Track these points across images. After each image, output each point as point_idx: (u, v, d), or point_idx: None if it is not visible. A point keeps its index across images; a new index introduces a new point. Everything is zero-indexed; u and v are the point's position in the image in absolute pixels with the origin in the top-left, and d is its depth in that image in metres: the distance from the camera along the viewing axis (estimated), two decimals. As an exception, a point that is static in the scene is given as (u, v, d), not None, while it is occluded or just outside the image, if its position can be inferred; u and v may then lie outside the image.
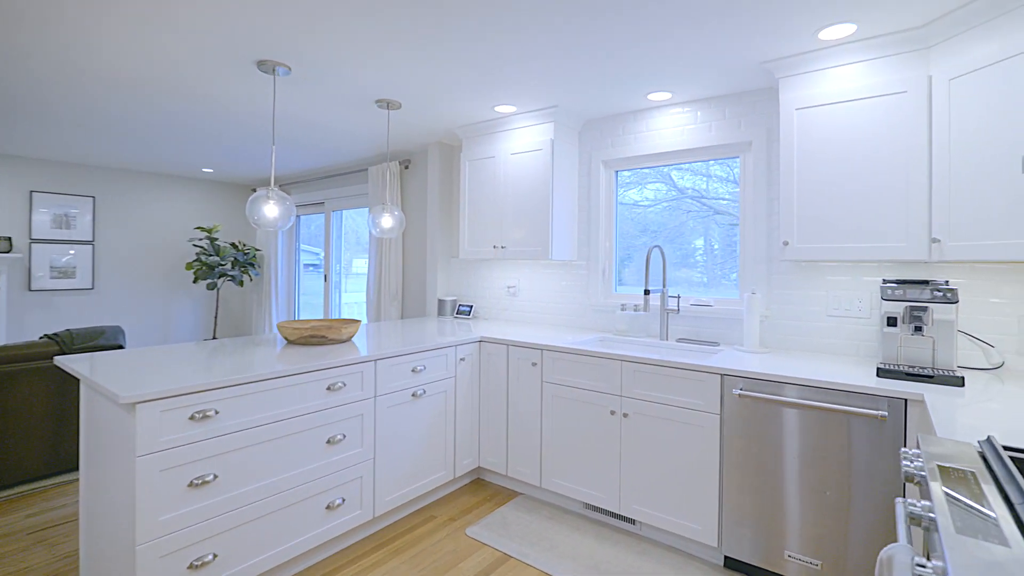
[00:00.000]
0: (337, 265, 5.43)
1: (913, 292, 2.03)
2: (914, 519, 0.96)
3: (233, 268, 5.61)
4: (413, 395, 2.66)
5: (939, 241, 1.98)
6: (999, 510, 0.90)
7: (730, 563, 2.28)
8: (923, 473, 1.10)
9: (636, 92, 2.83)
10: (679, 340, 2.93)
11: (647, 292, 2.84)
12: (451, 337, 2.98)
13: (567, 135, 3.27)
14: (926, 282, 2.06)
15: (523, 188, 3.27)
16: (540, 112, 3.17)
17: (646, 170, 3.21)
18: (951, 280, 2.23)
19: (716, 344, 2.80)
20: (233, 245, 5.72)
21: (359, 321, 2.88)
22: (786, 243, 2.34)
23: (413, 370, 2.67)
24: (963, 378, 1.87)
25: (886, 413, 1.85)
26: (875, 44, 2.12)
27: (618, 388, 2.54)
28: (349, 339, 2.75)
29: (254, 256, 5.82)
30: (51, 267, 5.02)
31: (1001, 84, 1.78)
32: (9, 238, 4.71)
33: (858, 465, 1.93)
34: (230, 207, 6.31)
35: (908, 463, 1.21)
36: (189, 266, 5.45)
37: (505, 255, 3.37)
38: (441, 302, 4.02)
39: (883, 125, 2.11)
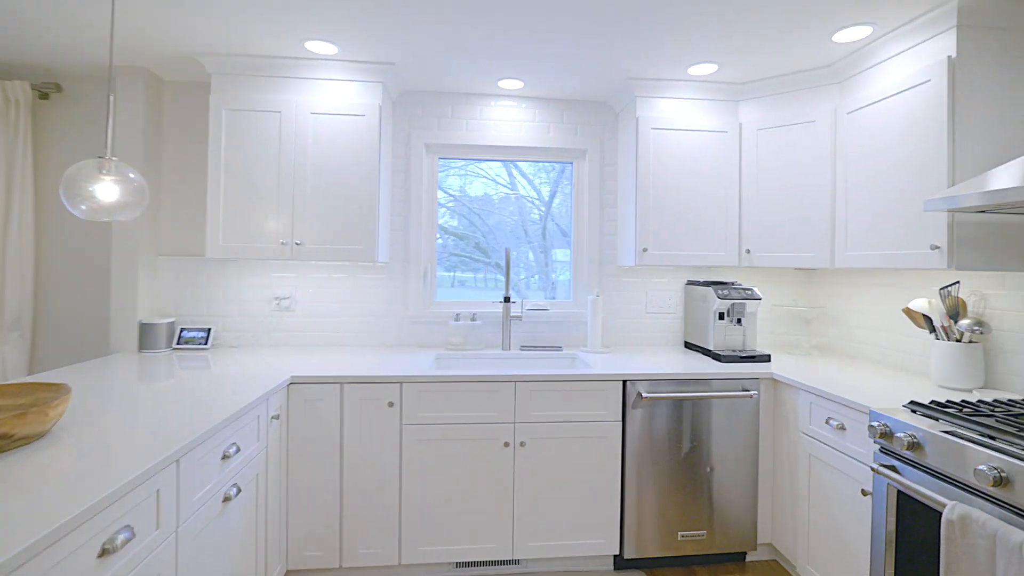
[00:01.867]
0: None
1: (736, 292, 2.54)
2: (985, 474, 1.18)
3: None
4: (225, 498, 1.54)
5: (750, 252, 2.55)
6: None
7: (628, 563, 2.31)
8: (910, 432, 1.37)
9: (488, 75, 2.49)
10: (522, 348, 2.76)
11: (507, 299, 2.56)
12: (252, 385, 1.89)
13: (387, 104, 2.58)
14: (732, 283, 2.62)
15: (333, 164, 2.38)
16: (369, 67, 2.37)
17: (460, 161, 2.87)
18: (744, 281, 2.92)
19: (559, 348, 2.77)
20: None
21: (65, 388, 1.46)
22: (645, 249, 2.53)
23: (224, 456, 1.54)
24: (769, 355, 2.48)
25: (756, 392, 2.26)
26: (709, 87, 2.55)
27: (511, 414, 2.17)
28: (48, 430, 1.36)
29: None
30: None
31: (785, 139, 2.44)
32: None
33: (732, 439, 2.27)
34: None
35: (875, 423, 1.50)
36: None
37: (301, 255, 2.38)
38: (147, 327, 2.49)
39: (712, 156, 2.56)
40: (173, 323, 2.57)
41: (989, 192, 1.47)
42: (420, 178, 2.77)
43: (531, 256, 2.96)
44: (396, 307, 2.78)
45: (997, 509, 1.28)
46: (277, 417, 1.94)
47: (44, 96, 2.54)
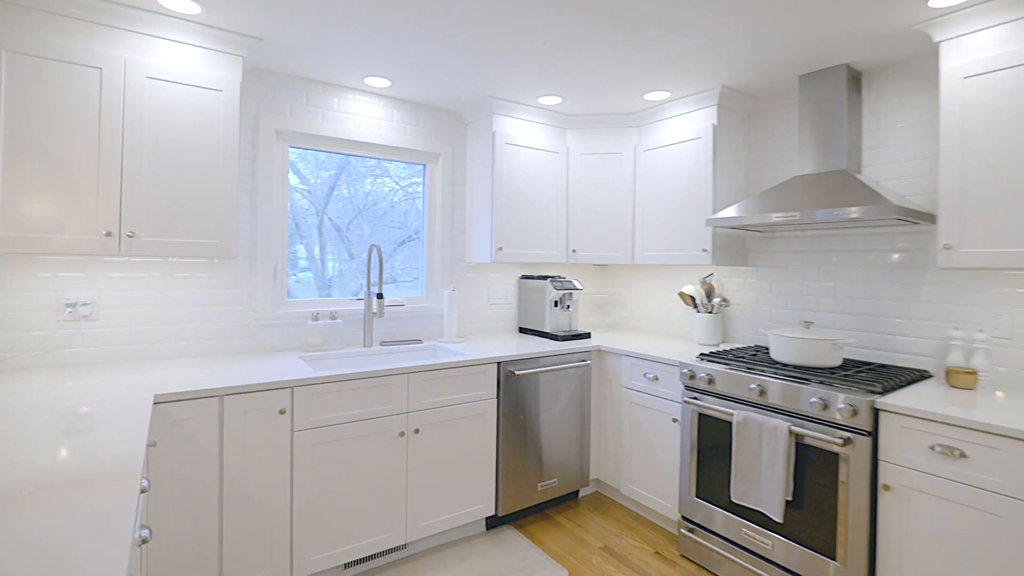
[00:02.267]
0: None
1: (565, 284, 3.12)
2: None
3: None
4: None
5: (575, 251, 3.16)
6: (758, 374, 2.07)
7: (500, 520, 2.65)
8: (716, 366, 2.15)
9: (358, 68, 2.45)
10: (383, 344, 2.80)
11: (380, 296, 2.58)
12: (107, 411, 1.56)
13: (224, 65, 2.27)
14: (559, 276, 3.21)
15: (182, 142, 2.01)
16: (233, 37, 2.06)
17: (314, 152, 2.72)
18: (569, 275, 3.50)
19: (420, 341, 2.91)
20: None
21: None
22: (501, 248, 2.89)
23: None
24: (590, 333, 3.15)
25: (589, 361, 2.86)
26: (549, 115, 3.04)
27: (405, 405, 2.27)
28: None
29: None
30: None
31: (600, 164, 3.14)
32: None
33: (572, 401, 2.84)
34: None
35: (684, 370, 2.26)
36: None
37: (134, 249, 1.94)
38: None
39: (547, 172, 3.07)
40: None
41: (735, 216, 2.32)
42: (271, 166, 2.52)
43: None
44: (241, 309, 2.47)
45: (760, 410, 2.08)
46: (154, 445, 1.61)
47: None
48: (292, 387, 1.99)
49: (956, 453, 1.63)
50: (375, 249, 2.74)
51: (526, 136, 3.00)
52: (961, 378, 1.98)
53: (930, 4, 1.80)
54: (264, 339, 2.53)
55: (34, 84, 1.78)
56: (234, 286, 2.45)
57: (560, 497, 2.90)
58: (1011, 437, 1.53)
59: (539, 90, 2.71)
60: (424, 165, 3.08)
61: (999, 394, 1.89)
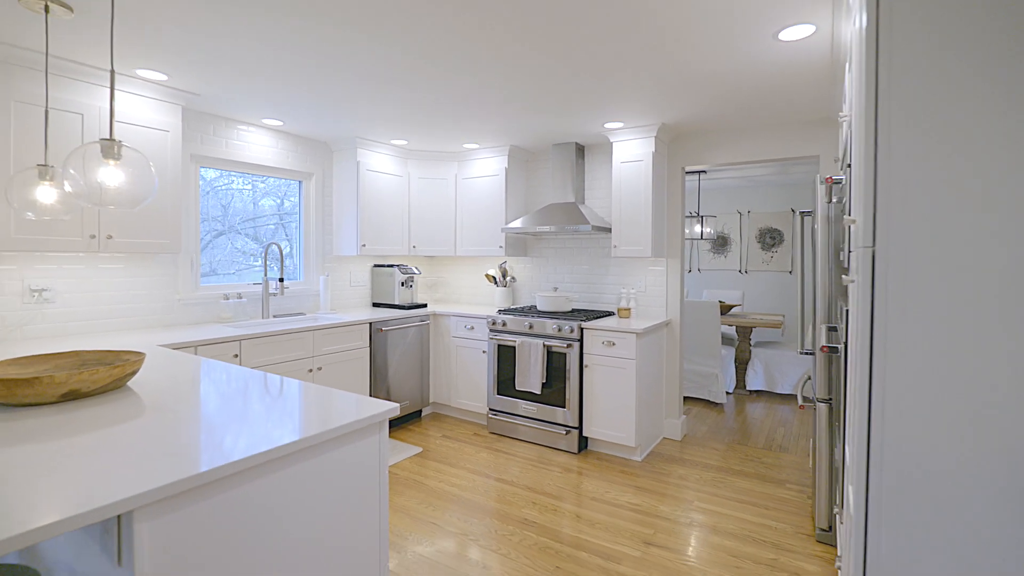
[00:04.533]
0: None
1: (408, 270, 4.41)
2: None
3: None
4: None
5: (415, 247, 4.48)
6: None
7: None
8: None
9: (257, 112, 3.36)
10: (275, 316, 3.74)
11: (281, 280, 3.54)
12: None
13: (171, 113, 3.01)
14: (402, 265, 4.49)
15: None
16: (178, 92, 2.82)
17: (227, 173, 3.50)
18: (409, 264, 4.73)
19: (303, 313, 3.91)
20: None
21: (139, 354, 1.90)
22: (364, 245, 4.05)
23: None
24: (427, 303, 4.52)
25: (428, 321, 4.24)
26: (394, 149, 4.26)
27: (311, 352, 3.35)
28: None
29: None
30: None
31: (431, 186, 4.50)
32: None
33: (417, 348, 4.18)
34: None
35: (491, 320, 3.86)
36: None
37: (111, 247, 2.65)
38: None
39: (396, 190, 4.31)
40: (-103, 323, 2.22)
41: (518, 227, 3.95)
42: (188, 182, 3.27)
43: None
44: (166, 292, 3.20)
45: (529, 337, 3.75)
46: (166, 374, 2.47)
47: None
48: (240, 340, 2.94)
49: (610, 343, 3.48)
50: (275, 245, 3.66)
51: (380, 164, 4.19)
52: (624, 312, 3.92)
53: (605, 126, 3.61)
54: (187, 315, 3.29)
55: (27, 123, 2.40)
56: (162, 274, 3.18)
57: (411, 415, 4.24)
58: (623, 332, 3.40)
59: (391, 135, 3.95)
60: (301, 182, 4.05)
61: (636, 318, 3.86)
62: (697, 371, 4.93)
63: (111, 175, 1.68)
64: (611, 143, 4.00)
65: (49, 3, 1.90)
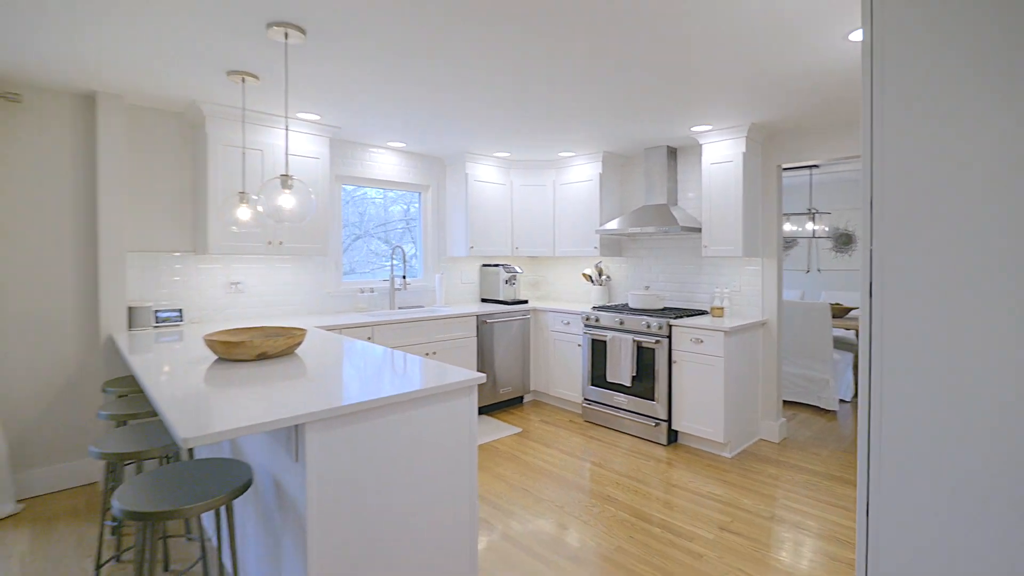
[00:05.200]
0: None
1: (512, 270, 4.87)
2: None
3: None
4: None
5: (518, 248, 4.93)
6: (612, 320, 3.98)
7: (479, 411, 4.38)
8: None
9: (384, 136, 4.02)
10: (400, 308, 4.40)
11: (404, 277, 4.18)
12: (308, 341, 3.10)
13: (321, 144, 3.76)
14: (506, 264, 4.95)
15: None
16: (326, 127, 3.57)
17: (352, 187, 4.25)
18: (513, 264, 5.23)
19: (422, 306, 4.54)
20: None
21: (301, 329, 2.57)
22: (472, 247, 4.58)
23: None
24: (528, 300, 4.93)
25: (528, 316, 4.65)
26: (500, 161, 4.75)
27: (427, 338, 3.93)
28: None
29: None
30: None
31: (532, 192, 4.91)
32: None
33: (519, 339, 4.61)
34: None
35: (586, 316, 4.14)
36: None
37: (281, 251, 3.43)
38: (133, 309, 3.04)
39: (500, 196, 4.80)
40: (151, 307, 3.15)
41: (612, 229, 4.20)
42: (332, 198, 4.04)
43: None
44: (318, 286, 3.98)
45: (620, 332, 3.98)
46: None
47: (15, 99, 2.70)
48: (373, 326, 3.59)
49: (698, 341, 3.59)
50: (399, 248, 4.32)
51: (486, 175, 4.70)
52: (717, 311, 3.98)
53: (692, 129, 3.73)
54: (333, 305, 4.06)
55: (229, 160, 3.22)
56: (315, 272, 3.96)
57: (512, 399, 4.68)
58: (711, 329, 3.49)
59: (495, 149, 4.43)
60: (419, 193, 4.70)
61: (730, 317, 3.90)
62: (804, 375, 4.75)
63: (286, 200, 2.30)
64: (700, 145, 4.08)
65: (245, 76, 2.61)
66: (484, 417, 4.36)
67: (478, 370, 4.29)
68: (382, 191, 4.48)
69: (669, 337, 3.75)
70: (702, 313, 4.08)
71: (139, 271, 3.21)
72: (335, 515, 1.55)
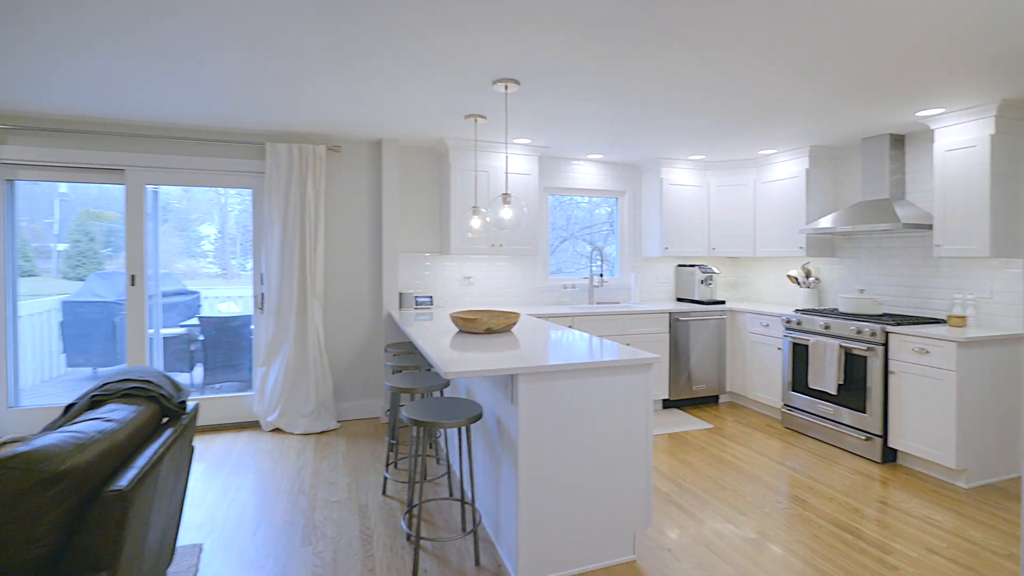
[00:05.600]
0: (151, 267, 3.74)
1: (708, 270, 4.92)
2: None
3: None
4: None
5: (715, 249, 4.96)
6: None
7: (670, 404, 4.59)
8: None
9: (585, 151, 4.54)
10: (598, 303, 4.88)
11: (601, 275, 4.66)
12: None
13: (532, 162, 4.47)
14: (702, 265, 5.01)
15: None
16: (536, 149, 4.30)
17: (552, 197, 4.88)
18: (709, 264, 5.32)
19: (618, 302, 4.95)
20: None
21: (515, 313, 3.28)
22: (667, 248, 4.81)
23: (543, 341, 3.48)
24: (724, 300, 4.92)
25: (725, 316, 4.66)
26: (695, 163, 4.88)
27: (623, 330, 4.32)
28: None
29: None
30: None
31: (730, 192, 4.88)
32: None
33: (714, 339, 4.65)
34: None
35: (787, 318, 3.97)
36: None
37: (501, 251, 4.23)
38: (402, 295, 4.15)
39: (695, 198, 4.91)
40: (412, 293, 4.24)
41: (824, 227, 3.97)
42: (541, 207, 4.74)
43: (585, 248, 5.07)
44: (528, 282, 4.72)
45: (823, 336, 3.76)
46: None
47: (336, 150, 4.05)
48: (573, 316, 4.15)
49: (923, 351, 3.22)
50: (597, 250, 4.82)
51: (680, 178, 4.86)
52: (956, 320, 3.46)
53: (917, 115, 3.35)
54: (540, 298, 4.76)
55: (464, 181, 4.12)
56: (526, 270, 4.71)
57: (706, 397, 4.74)
58: (939, 339, 3.09)
59: (689, 153, 4.57)
60: (616, 198, 5.12)
61: (975, 328, 3.37)
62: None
63: (506, 212, 2.96)
64: (931, 131, 3.56)
65: (477, 117, 3.40)
66: (675, 410, 4.54)
67: (670, 365, 4.50)
68: (587, 197, 5.03)
69: (885, 345, 3.43)
70: (936, 322, 3.58)
71: (404, 267, 4.35)
72: (538, 446, 2.08)
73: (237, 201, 8.41)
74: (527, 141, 4.14)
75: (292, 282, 3.88)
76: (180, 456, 1.84)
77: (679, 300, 5.14)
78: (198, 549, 2.30)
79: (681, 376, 4.54)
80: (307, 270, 3.90)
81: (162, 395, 1.80)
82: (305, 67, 2.60)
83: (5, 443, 1.58)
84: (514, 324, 2.93)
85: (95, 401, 1.71)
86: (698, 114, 3.42)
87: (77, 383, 5.38)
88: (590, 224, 5.06)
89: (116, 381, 1.78)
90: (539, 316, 4.05)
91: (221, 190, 5.05)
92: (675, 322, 4.50)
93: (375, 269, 4.24)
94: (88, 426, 1.45)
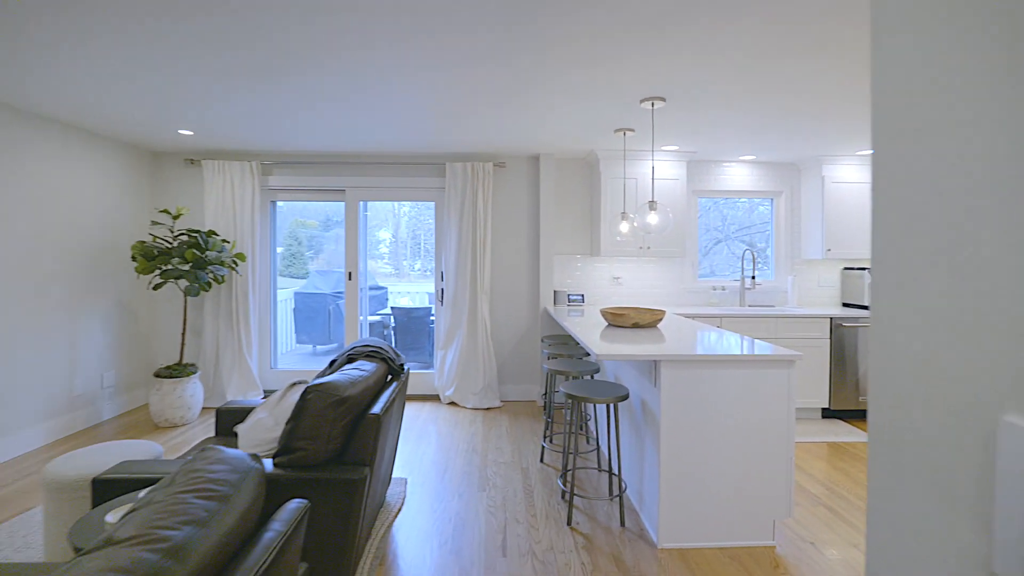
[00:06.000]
0: (362, 265, 4.80)
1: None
2: None
3: (197, 266, 4.09)
4: (688, 357, 3.64)
5: (888, 249, 4.56)
6: None
7: (831, 414, 4.36)
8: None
9: (737, 152, 4.54)
10: (750, 305, 4.82)
11: (753, 277, 4.62)
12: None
13: (679, 167, 4.63)
14: (871, 268, 4.62)
15: (664, 203, 4.47)
16: (683, 153, 4.47)
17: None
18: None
19: (772, 306, 4.82)
20: (191, 235, 4.13)
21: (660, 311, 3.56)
22: (829, 249, 4.57)
23: (688, 338, 3.64)
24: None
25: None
26: (863, 159, 4.56)
27: (776, 333, 4.25)
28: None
29: (233, 254, 4.38)
30: None
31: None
32: None
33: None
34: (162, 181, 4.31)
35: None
36: (143, 258, 3.74)
37: (647, 254, 4.47)
38: (556, 292, 4.63)
39: (859, 194, 4.57)
40: (565, 291, 4.70)
41: None
42: (690, 210, 4.85)
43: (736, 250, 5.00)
44: (675, 282, 4.86)
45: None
46: (673, 332, 4.04)
47: (502, 166, 4.71)
48: (721, 317, 4.22)
49: None
50: (749, 251, 4.78)
51: (845, 175, 4.57)
52: None
53: None
54: (687, 299, 4.87)
55: (614, 188, 4.44)
56: (673, 271, 4.86)
57: (873, 411, 4.39)
58: None
59: (857, 148, 4.29)
60: (772, 199, 4.98)
61: None
62: None
63: (652, 218, 3.24)
64: None
65: (625, 131, 3.70)
66: (836, 420, 4.31)
67: (830, 373, 4.29)
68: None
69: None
70: None
71: (559, 267, 4.82)
72: (679, 427, 2.35)
73: (407, 209, 9.72)
74: (675, 147, 4.32)
75: (465, 280, 4.60)
76: (399, 404, 2.50)
77: (845, 305, 4.81)
78: (404, 482, 3.01)
79: (846, 385, 4.29)
80: (477, 270, 4.58)
81: (390, 358, 2.47)
82: (476, 98, 3.19)
83: (295, 384, 2.35)
84: (660, 320, 3.18)
85: (349, 358, 2.44)
86: (866, 100, 3.30)
87: (304, 357, 6.90)
88: (749, 224, 5.00)
89: (361, 346, 2.49)
90: (686, 315, 4.20)
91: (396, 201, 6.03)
92: (838, 328, 4.27)
93: (533, 269, 4.78)
94: (352, 373, 2.12)
